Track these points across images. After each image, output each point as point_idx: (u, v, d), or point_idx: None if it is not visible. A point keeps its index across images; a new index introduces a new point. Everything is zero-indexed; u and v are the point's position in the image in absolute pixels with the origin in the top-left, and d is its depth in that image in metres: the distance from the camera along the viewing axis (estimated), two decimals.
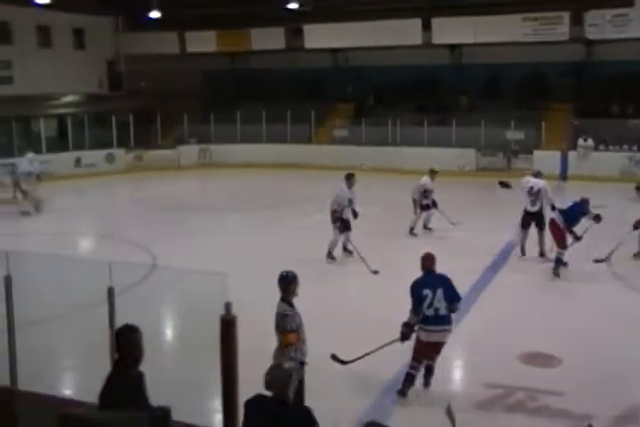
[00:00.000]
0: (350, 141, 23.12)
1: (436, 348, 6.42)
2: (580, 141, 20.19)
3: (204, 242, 12.88)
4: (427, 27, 22.13)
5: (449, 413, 3.57)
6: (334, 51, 25.16)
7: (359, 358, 6.56)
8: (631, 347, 7.51)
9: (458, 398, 6.25)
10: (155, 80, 24.72)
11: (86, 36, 24.69)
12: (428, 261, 6.67)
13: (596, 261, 10.84)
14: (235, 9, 23.18)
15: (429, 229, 13.57)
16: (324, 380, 6.58)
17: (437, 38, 22.11)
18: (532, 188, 11.66)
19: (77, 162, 22.16)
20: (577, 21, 20.49)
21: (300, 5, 22.26)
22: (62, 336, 8.44)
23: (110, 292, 5.24)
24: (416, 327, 6.33)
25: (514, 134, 21.12)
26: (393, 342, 6.40)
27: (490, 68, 22.97)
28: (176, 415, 4.28)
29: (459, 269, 10.66)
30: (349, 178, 11.64)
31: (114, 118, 22.94)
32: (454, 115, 22.27)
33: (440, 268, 10.46)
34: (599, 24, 20.18)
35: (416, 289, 6.37)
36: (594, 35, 20.43)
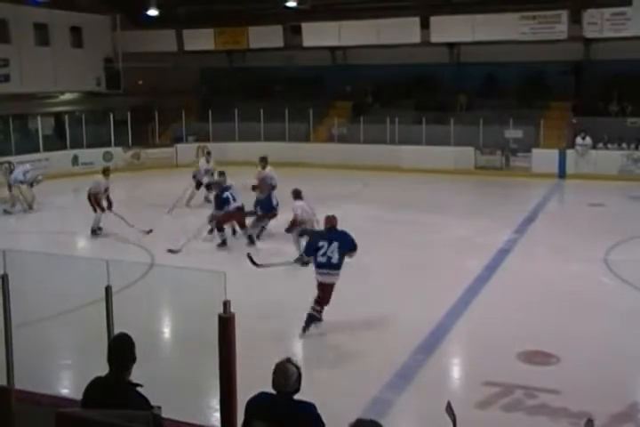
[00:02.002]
0: (349, 140, 23.10)
1: (327, 288, 7.95)
2: (578, 140, 20.20)
3: (202, 240, 12.85)
4: (425, 25, 22.07)
5: (449, 410, 3.56)
6: (333, 49, 25.11)
7: (266, 266, 9.00)
8: (630, 345, 7.52)
9: (456, 396, 6.25)
10: (152, 78, 24.71)
11: (84, 34, 24.57)
12: (332, 220, 8.26)
13: (170, 251, 11.61)
14: (233, 7, 23.16)
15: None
16: (328, 374, 6.59)
17: (436, 37, 22.07)
18: None
19: (75, 160, 22.12)
20: (575, 20, 20.44)
21: (299, 3, 22.23)
22: (60, 335, 8.43)
23: (108, 290, 5.22)
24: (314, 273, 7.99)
25: (512, 133, 21.11)
26: (290, 263, 8.87)
27: (488, 67, 22.94)
28: (174, 414, 4.27)
29: (457, 268, 10.75)
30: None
31: (112, 116, 22.88)
32: (452, 113, 22.26)
33: (439, 266, 10.51)
34: (597, 23, 20.14)
35: (314, 239, 8.21)
36: (592, 33, 20.39)
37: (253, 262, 8.93)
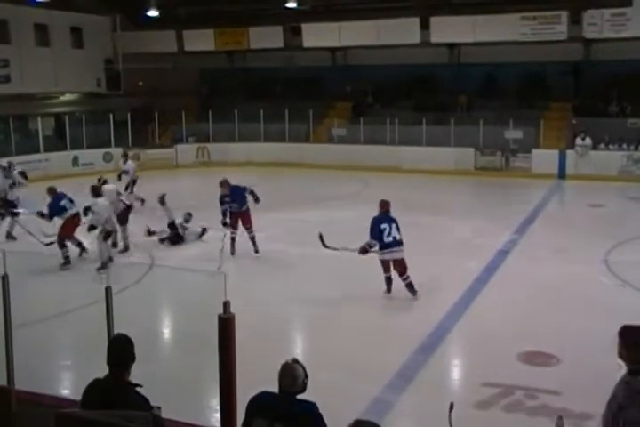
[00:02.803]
0: (348, 140, 23.10)
1: (402, 262, 9.17)
2: (578, 140, 20.21)
3: (201, 241, 12.85)
4: (425, 26, 22.08)
5: (450, 411, 3.55)
6: (333, 49, 25.13)
7: (334, 248, 9.73)
8: None
9: (456, 396, 6.25)
10: (152, 79, 24.71)
11: (84, 34, 24.60)
12: (387, 204, 9.49)
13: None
14: (233, 7, 23.17)
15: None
16: (328, 375, 6.58)
17: (436, 37, 22.07)
18: None
19: (75, 161, 22.13)
20: (575, 20, 20.45)
21: (299, 4, 22.24)
22: (59, 335, 8.43)
23: (108, 291, 5.22)
24: (379, 252, 9.19)
25: (512, 133, 21.11)
26: (352, 250, 9.29)
27: (488, 68, 22.96)
28: (174, 414, 4.27)
29: (457, 268, 10.76)
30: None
31: (112, 117, 22.89)
32: (453, 114, 22.25)
33: (439, 266, 10.51)
34: (597, 23, 20.15)
35: (376, 223, 9.20)
36: (592, 34, 20.39)
37: (323, 243, 9.91)
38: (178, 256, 11.87)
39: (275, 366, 3.74)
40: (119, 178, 16.44)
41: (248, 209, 11.86)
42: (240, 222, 11.78)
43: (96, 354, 4.13)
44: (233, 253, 11.65)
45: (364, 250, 9.26)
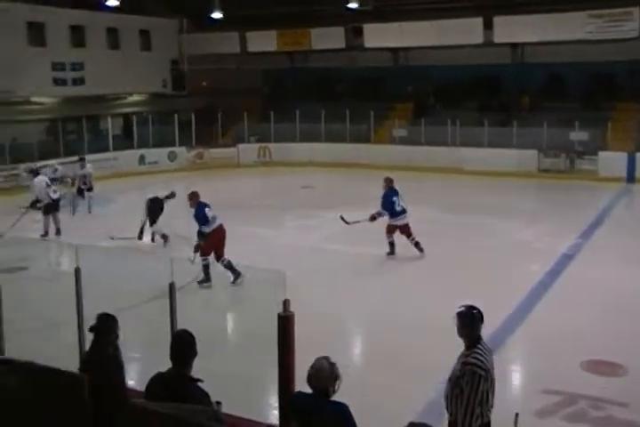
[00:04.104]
0: (409, 141, 22.98)
1: (408, 227, 11.51)
2: None
3: (261, 240, 13.01)
4: (488, 25, 21.80)
5: (516, 423, 3.51)
6: (394, 50, 25.06)
7: (354, 222, 11.84)
8: None
9: (515, 403, 6.14)
10: (216, 79, 25.15)
11: (152, 37, 25.28)
12: (391, 181, 11.84)
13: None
14: (295, 8, 23.35)
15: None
16: (385, 376, 6.58)
17: (499, 37, 21.76)
18: None
19: (141, 159, 22.75)
20: None
21: (360, 5, 22.25)
22: (127, 328, 8.64)
23: (171, 287, 5.37)
24: (391, 219, 11.50)
25: (578, 135, 20.62)
26: (364, 220, 11.59)
27: (553, 67, 22.50)
28: (233, 410, 4.35)
29: (518, 271, 10.58)
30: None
31: (176, 117, 23.43)
32: (515, 115, 21.92)
33: (500, 269, 10.34)
34: None
35: (388, 197, 11.51)
36: None
37: (345, 221, 11.95)
38: None
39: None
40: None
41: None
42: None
43: (161, 348, 4.25)
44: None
45: (373, 218, 11.59)
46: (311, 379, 3.69)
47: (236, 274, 10.04)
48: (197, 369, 3.94)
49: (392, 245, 11.63)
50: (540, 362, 7.35)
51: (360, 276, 10.61)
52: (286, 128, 24.21)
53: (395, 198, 11.46)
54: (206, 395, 3.82)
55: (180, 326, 4.97)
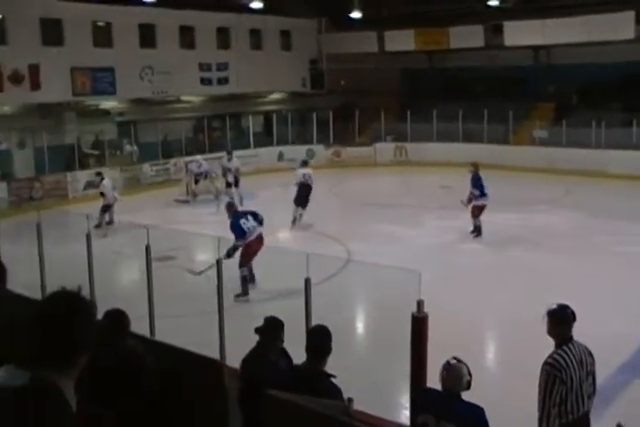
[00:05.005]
0: (550, 143, 22.20)
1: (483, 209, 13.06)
2: None
3: (399, 239, 13.10)
4: None
5: None
6: (536, 48, 24.25)
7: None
8: None
9: None
10: (354, 78, 25.47)
11: (292, 37, 26.02)
12: (477, 167, 13.34)
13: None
14: (433, 7, 23.16)
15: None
16: (520, 381, 6.48)
17: None
18: None
19: (280, 156, 23.51)
20: None
21: (501, 2, 21.71)
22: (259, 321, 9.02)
23: (307, 282, 5.57)
24: (481, 199, 12.99)
25: None
26: (463, 203, 12.98)
27: None
28: (364, 407, 4.47)
29: None
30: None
31: (315, 115, 23.96)
32: None
33: None
34: None
35: (479, 180, 13.09)
36: None
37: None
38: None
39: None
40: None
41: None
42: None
43: (294, 342, 4.46)
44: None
45: (470, 200, 12.98)
46: (443, 379, 3.77)
47: (244, 291, 9.63)
48: (330, 365, 4.10)
49: (479, 227, 12.91)
50: None
51: (497, 277, 10.46)
52: (423, 128, 24.10)
53: (485, 183, 12.94)
54: (339, 391, 3.96)
55: (314, 322, 5.16)
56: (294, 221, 14.49)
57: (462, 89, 25.15)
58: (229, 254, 9.32)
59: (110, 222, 14.65)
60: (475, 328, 8.50)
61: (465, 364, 3.80)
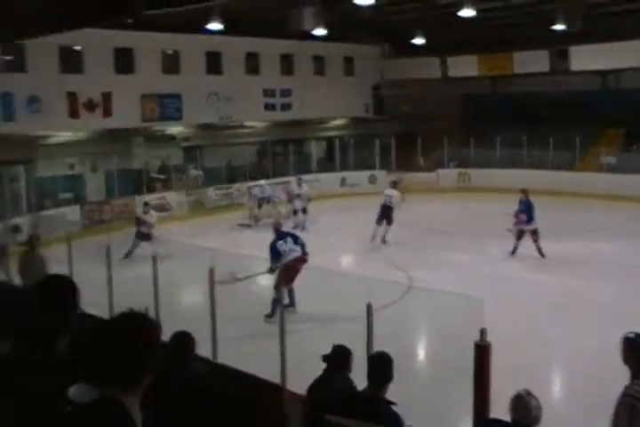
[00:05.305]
0: (619, 170, 21.62)
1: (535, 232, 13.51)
2: None
3: (463, 267, 12.93)
4: None
5: None
6: (603, 72, 23.77)
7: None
8: None
9: None
10: (416, 104, 25.49)
11: (355, 63, 26.30)
12: (527, 193, 13.95)
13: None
14: (497, 32, 23.05)
15: None
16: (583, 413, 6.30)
17: None
18: None
19: (342, 182, 23.64)
20: None
21: (568, 26, 21.41)
22: (322, 346, 9.02)
23: (369, 308, 5.55)
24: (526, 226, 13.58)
25: None
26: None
27: None
28: None
29: None
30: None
31: (377, 141, 24.03)
32: None
33: None
34: None
35: (532, 206, 13.71)
36: None
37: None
38: None
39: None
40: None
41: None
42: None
43: (356, 366, 4.45)
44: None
45: (516, 224, 13.75)
46: (512, 411, 3.70)
47: (272, 312, 9.49)
48: (391, 392, 4.07)
49: (516, 249, 13.63)
50: None
51: (560, 305, 10.20)
52: (486, 153, 23.88)
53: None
54: (400, 418, 3.94)
55: (375, 348, 5.13)
56: (372, 237, 15.10)
57: (526, 114, 24.81)
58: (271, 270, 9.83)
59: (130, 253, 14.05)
60: (538, 358, 8.29)
61: (535, 397, 3.72)
